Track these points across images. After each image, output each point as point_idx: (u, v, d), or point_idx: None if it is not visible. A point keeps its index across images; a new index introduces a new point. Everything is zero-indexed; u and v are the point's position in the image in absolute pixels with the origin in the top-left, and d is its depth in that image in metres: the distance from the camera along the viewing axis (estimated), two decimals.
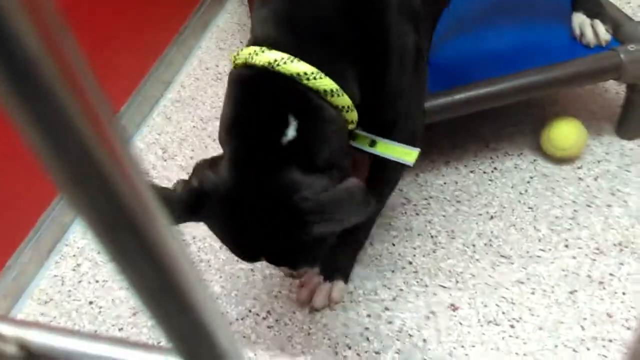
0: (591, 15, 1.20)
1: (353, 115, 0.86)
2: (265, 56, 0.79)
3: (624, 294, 1.02)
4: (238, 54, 0.83)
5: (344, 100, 0.82)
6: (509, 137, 1.34)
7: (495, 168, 1.28)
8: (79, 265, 1.26)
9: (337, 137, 0.84)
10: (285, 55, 0.79)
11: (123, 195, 0.17)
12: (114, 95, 1.51)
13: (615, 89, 1.40)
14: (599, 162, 1.25)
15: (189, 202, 0.80)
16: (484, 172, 1.28)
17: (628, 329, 0.97)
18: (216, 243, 1.23)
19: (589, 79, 1.22)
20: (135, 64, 1.58)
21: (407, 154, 0.91)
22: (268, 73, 0.79)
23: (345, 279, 1.10)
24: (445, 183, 1.27)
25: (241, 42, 1.83)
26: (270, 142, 0.79)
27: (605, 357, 0.95)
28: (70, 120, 0.16)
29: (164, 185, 0.88)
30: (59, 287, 1.22)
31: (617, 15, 1.25)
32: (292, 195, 0.77)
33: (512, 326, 1.01)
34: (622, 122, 1.28)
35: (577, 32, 1.21)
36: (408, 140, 0.95)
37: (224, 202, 0.80)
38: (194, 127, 1.55)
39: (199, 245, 1.24)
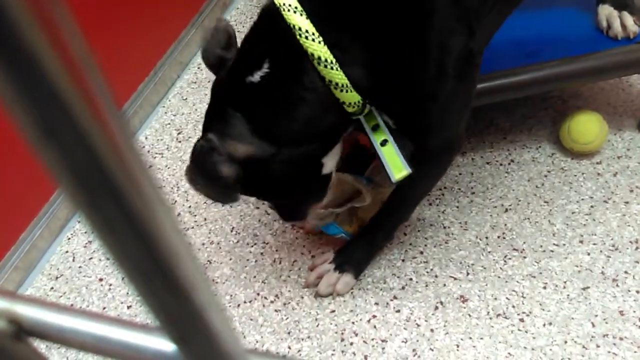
0: (618, 6, 1.17)
1: (350, 97, 0.80)
2: None
3: (637, 292, 1.00)
4: None
5: (336, 75, 0.77)
6: (528, 130, 1.31)
7: (512, 160, 1.26)
8: (90, 242, 1.26)
9: (309, 108, 0.80)
10: (295, 4, 0.76)
11: (106, 161, 0.16)
12: (131, 76, 1.51)
13: (639, 84, 1.36)
14: (619, 158, 1.22)
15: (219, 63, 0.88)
16: (500, 164, 1.26)
17: None
18: (227, 225, 1.24)
19: (613, 73, 1.19)
20: (152, 44, 1.58)
21: (398, 168, 0.87)
22: (278, 15, 0.77)
23: (356, 274, 1.09)
24: (460, 174, 1.25)
25: None
26: (237, 75, 0.82)
27: (615, 355, 0.93)
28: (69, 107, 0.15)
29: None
30: (70, 263, 1.23)
31: None
32: (206, 135, 0.81)
33: (521, 320, 0.99)
34: None
35: (604, 24, 1.17)
36: (443, 150, 0.92)
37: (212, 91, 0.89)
38: None
39: (210, 227, 1.24)
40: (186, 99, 1.59)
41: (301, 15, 0.76)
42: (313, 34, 0.76)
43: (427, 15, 0.79)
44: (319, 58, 0.76)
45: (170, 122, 1.53)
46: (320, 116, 0.82)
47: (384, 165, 0.88)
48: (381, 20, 0.78)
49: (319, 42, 0.76)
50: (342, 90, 0.79)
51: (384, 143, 0.88)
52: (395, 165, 0.87)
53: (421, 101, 0.86)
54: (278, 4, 0.77)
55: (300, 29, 0.76)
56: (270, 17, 0.80)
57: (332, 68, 0.77)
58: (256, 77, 0.79)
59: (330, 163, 0.91)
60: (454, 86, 0.86)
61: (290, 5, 0.76)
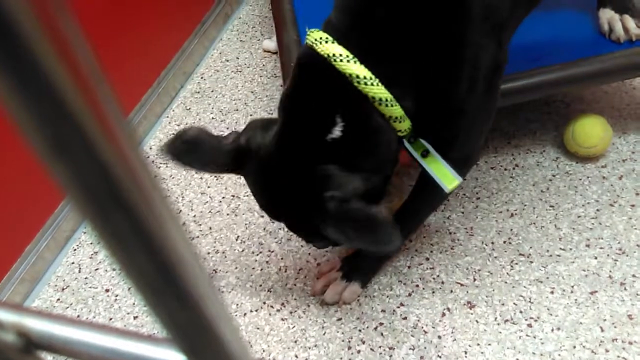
0: (620, 10, 1.17)
1: (404, 125, 0.84)
2: (328, 48, 0.79)
3: None
4: (309, 33, 0.84)
5: (395, 110, 0.81)
6: (532, 134, 1.31)
7: (516, 165, 1.26)
8: (96, 252, 1.26)
9: (382, 146, 0.84)
10: (346, 53, 0.78)
11: (118, 176, 0.16)
12: (135, 86, 1.52)
13: None
14: (624, 161, 1.22)
15: (235, 155, 0.87)
16: (505, 169, 1.25)
17: None
18: (232, 234, 1.23)
19: (617, 76, 1.18)
20: (156, 54, 1.59)
21: (449, 179, 0.88)
22: (326, 65, 0.79)
23: (363, 283, 1.08)
24: (465, 179, 1.25)
25: (262, 34, 1.83)
26: (315, 135, 0.82)
27: (625, 359, 0.92)
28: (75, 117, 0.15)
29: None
30: (76, 274, 1.23)
31: None
32: (322, 189, 0.80)
33: (529, 325, 0.99)
34: None
35: (606, 27, 1.17)
36: (461, 163, 0.92)
37: (262, 167, 0.86)
38: (213, 118, 1.55)
39: (215, 236, 1.24)
40: (190, 108, 1.60)
41: (355, 63, 0.78)
42: (371, 78, 0.78)
43: (462, 35, 0.80)
44: (380, 99, 0.79)
45: (174, 131, 1.53)
46: (389, 146, 0.86)
47: (432, 177, 0.89)
48: (421, 45, 0.80)
49: (378, 85, 0.79)
50: (400, 122, 0.83)
51: (425, 154, 0.90)
52: (445, 175, 0.88)
53: (451, 114, 0.88)
54: (327, 55, 0.79)
55: (358, 76, 0.78)
56: (318, 70, 0.81)
57: (390, 105, 0.80)
58: (336, 133, 0.80)
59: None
60: (482, 100, 0.88)
61: (341, 55, 0.78)
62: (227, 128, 1.50)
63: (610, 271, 1.04)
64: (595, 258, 1.06)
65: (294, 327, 1.06)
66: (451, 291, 1.06)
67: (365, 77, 0.78)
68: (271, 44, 1.73)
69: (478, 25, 0.81)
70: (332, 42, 0.80)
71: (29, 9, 0.12)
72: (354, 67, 0.78)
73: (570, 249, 1.09)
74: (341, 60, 0.78)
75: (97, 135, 0.14)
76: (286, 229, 1.21)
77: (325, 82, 0.81)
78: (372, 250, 0.86)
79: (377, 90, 0.79)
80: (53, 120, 0.14)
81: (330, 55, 0.79)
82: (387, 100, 0.80)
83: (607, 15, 1.18)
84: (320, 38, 0.81)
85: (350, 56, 0.78)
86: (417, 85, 0.82)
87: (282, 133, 0.84)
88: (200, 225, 1.27)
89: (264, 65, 1.69)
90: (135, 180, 0.16)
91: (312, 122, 0.82)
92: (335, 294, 1.06)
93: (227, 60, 1.74)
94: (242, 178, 1.36)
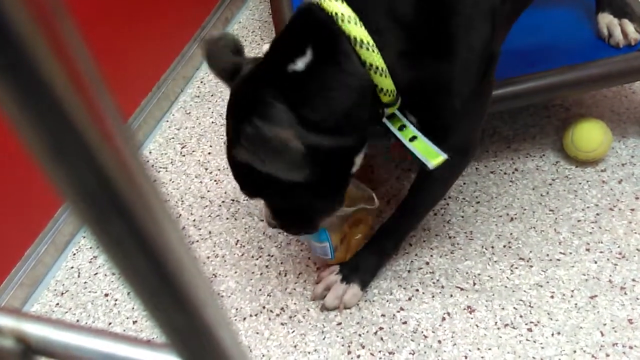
0: (618, 14, 1.17)
1: (385, 83, 0.81)
2: None
3: None
4: None
5: (374, 57, 0.78)
6: (531, 138, 1.31)
7: (516, 169, 1.26)
8: (95, 257, 1.26)
9: (352, 92, 0.81)
10: None
11: (117, 181, 0.16)
12: (134, 90, 1.52)
13: None
14: (623, 165, 1.22)
15: (231, 71, 0.90)
16: (505, 173, 1.25)
17: None
18: (232, 238, 1.23)
19: (616, 80, 1.19)
20: (155, 59, 1.59)
21: (432, 155, 0.86)
22: (317, 7, 0.80)
23: (363, 285, 1.08)
24: (464, 183, 1.25)
25: (262, 38, 1.83)
26: (277, 64, 0.82)
27: None
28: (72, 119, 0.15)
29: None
30: (75, 278, 1.22)
31: None
32: (249, 116, 0.79)
33: (529, 330, 0.99)
34: None
35: (605, 32, 1.18)
36: (456, 153, 0.90)
37: (232, 92, 0.88)
38: (212, 122, 1.55)
39: (214, 240, 1.24)
40: (190, 113, 1.60)
41: (342, 3, 0.78)
42: (354, 18, 0.77)
43: (455, 13, 0.81)
44: (361, 41, 0.77)
45: (174, 136, 1.53)
46: (360, 103, 0.82)
47: (418, 159, 0.86)
48: (413, 17, 0.80)
49: (360, 26, 0.77)
50: (380, 75, 0.80)
51: (412, 139, 0.88)
52: (430, 153, 0.86)
53: (444, 99, 0.87)
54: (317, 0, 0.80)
55: (341, 14, 0.77)
56: (307, 11, 0.82)
57: (370, 50, 0.78)
58: (299, 64, 0.80)
59: (358, 162, 0.91)
60: (476, 87, 0.88)
61: None
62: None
63: (610, 275, 1.04)
64: (595, 262, 1.06)
65: (293, 331, 1.05)
66: (451, 295, 1.06)
67: (349, 16, 0.77)
68: None
69: (472, 8, 0.82)
70: None
71: (28, 15, 0.12)
72: (339, 7, 0.78)
73: (570, 253, 1.08)
74: (330, 0, 0.79)
75: (96, 140, 0.14)
76: (286, 233, 1.21)
77: (307, 20, 0.82)
78: (281, 177, 0.80)
79: (359, 30, 0.77)
80: (52, 125, 0.14)
81: None
82: (368, 43, 0.78)
83: (605, 19, 1.18)
84: None
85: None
86: (405, 53, 0.81)
87: (256, 64, 0.86)
88: (199, 229, 1.27)
89: None
90: (134, 185, 0.16)
91: (282, 53, 0.83)
92: (336, 298, 1.06)
93: None
94: None
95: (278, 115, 0.78)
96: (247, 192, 0.93)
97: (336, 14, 0.78)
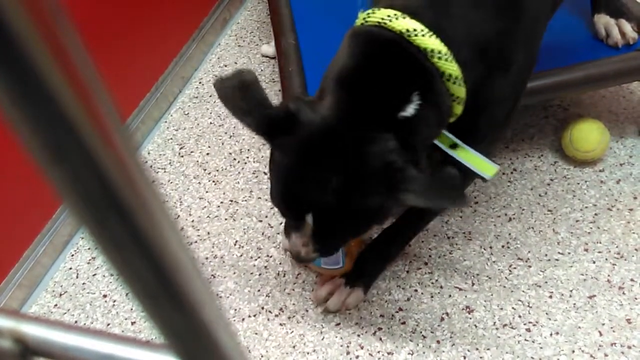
0: (615, 15, 1.18)
1: (458, 109, 0.81)
2: (404, 22, 0.75)
3: None
4: (371, 14, 0.79)
5: (461, 90, 0.78)
6: (530, 138, 1.31)
7: (514, 169, 1.26)
8: (93, 258, 1.26)
9: (441, 125, 0.82)
10: (423, 27, 0.75)
11: (115, 182, 0.16)
12: (133, 91, 1.52)
13: (639, 91, 1.36)
14: (621, 165, 1.22)
15: (280, 118, 0.77)
16: (503, 173, 1.26)
17: None
18: (231, 239, 1.23)
19: (613, 81, 1.19)
20: (154, 59, 1.59)
21: (488, 169, 0.85)
22: (399, 40, 0.75)
23: (366, 288, 1.07)
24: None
25: (260, 39, 1.83)
26: (385, 110, 0.76)
27: None
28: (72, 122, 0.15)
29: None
30: (74, 279, 1.22)
31: None
32: (393, 159, 0.74)
33: (528, 330, 0.99)
34: None
35: (603, 33, 1.18)
36: (488, 154, 0.90)
37: (309, 141, 0.76)
38: (211, 123, 1.55)
39: (213, 241, 1.24)
40: (188, 113, 1.60)
41: (432, 37, 0.75)
42: (446, 53, 0.75)
43: (520, 28, 0.82)
44: (455, 77, 0.76)
45: (172, 137, 1.53)
46: (441, 130, 0.83)
47: (469, 169, 0.86)
48: (488, 40, 0.80)
49: (451, 61, 0.76)
50: (459, 104, 0.80)
51: (453, 146, 0.87)
52: (481, 165, 0.86)
53: (490, 105, 0.87)
54: (403, 30, 0.75)
55: (439, 52, 0.75)
56: (392, 45, 0.77)
57: (459, 84, 0.77)
58: (410, 111, 0.76)
59: None
60: (513, 92, 0.89)
61: (422, 30, 0.75)
62: (225, 133, 1.50)
63: (608, 275, 1.04)
64: (594, 262, 1.06)
65: (292, 332, 1.05)
66: (450, 296, 1.06)
67: (445, 53, 0.75)
68: (269, 49, 1.73)
69: (531, 19, 0.83)
70: (408, 18, 0.76)
71: (26, 16, 0.12)
72: (434, 42, 0.74)
73: (569, 253, 1.09)
74: (420, 35, 0.75)
75: (95, 141, 0.14)
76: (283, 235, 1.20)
77: (402, 57, 0.76)
78: (447, 206, 0.80)
79: (454, 66, 0.75)
80: (50, 126, 0.14)
81: (410, 29, 0.75)
82: (459, 78, 0.76)
83: (602, 20, 1.18)
84: (392, 15, 0.77)
85: (427, 30, 0.75)
86: (474, 67, 0.80)
87: (342, 108, 0.76)
88: (198, 230, 1.27)
89: (262, 70, 1.69)
90: (133, 186, 0.16)
91: (384, 97, 0.76)
92: (339, 301, 1.05)
93: (226, 66, 1.74)
94: (241, 181, 1.36)
95: (409, 156, 0.76)
96: (326, 231, 0.83)
97: (432, 50, 0.75)
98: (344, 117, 0.76)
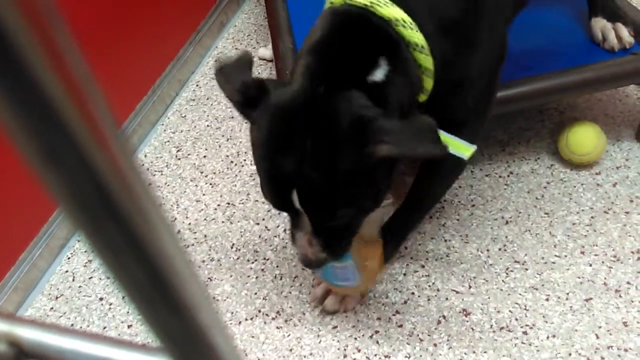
0: (612, 18, 1.18)
1: (429, 83, 0.83)
2: None
3: None
4: None
5: (427, 60, 0.80)
6: (526, 142, 1.32)
7: (511, 172, 1.26)
8: (90, 261, 1.26)
9: (411, 98, 0.82)
10: (388, 0, 0.78)
11: (111, 185, 0.16)
12: (130, 93, 1.52)
13: (636, 94, 1.37)
14: (618, 168, 1.23)
15: (252, 89, 0.77)
16: (500, 176, 1.26)
17: None
18: (227, 242, 1.23)
19: (610, 84, 1.19)
20: (151, 62, 1.59)
21: (463, 148, 0.88)
22: (366, 12, 0.78)
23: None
24: (459, 187, 1.25)
25: (258, 42, 1.83)
26: (355, 74, 0.76)
27: None
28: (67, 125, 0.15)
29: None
30: (70, 282, 1.22)
31: (637, 17, 1.22)
32: (361, 113, 0.73)
33: (525, 333, 0.99)
34: None
35: (599, 36, 1.18)
36: (470, 140, 0.91)
37: (280, 110, 0.76)
38: (208, 126, 1.55)
39: (210, 244, 1.24)
40: (185, 116, 1.60)
41: (395, 7, 0.78)
42: (410, 23, 0.78)
43: (484, 14, 0.86)
44: (420, 46, 0.79)
45: (169, 139, 1.53)
46: (413, 105, 0.84)
47: (446, 161, 0.89)
48: (453, 19, 0.84)
49: (417, 31, 0.78)
50: (428, 76, 0.82)
51: None
52: (458, 147, 0.88)
53: (460, 95, 0.90)
54: (367, 2, 0.78)
55: (402, 20, 0.78)
56: (357, 16, 0.79)
57: (424, 53, 0.79)
58: (378, 75, 0.77)
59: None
60: (487, 84, 0.92)
61: (382, 1, 0.78)
62: (223, 135, 1.50)
63: (605, 278, 1.04)
64: (590, 265, 1.07)
65: (289, 335, 1.05)
66: (447, 299, 1.06)
67: (407, 21, 0.78)
68: (267, 52, 1.73)
69: (493, 8, 0.86)
70: None
71: (21, 19, 0.12)
72: (395, 11, 0.78)
73: (565, 256, 1.09)
74: (384, 5, 0.78)
75: (90, 144, 0.14)
76: (282, 237, 1.21)
77: (366, 27, 0.79)
78: (428, 152, 0.73)
79: (418, 35, 0.78)
80: (45, 129, 0.13)
81: (371, 2, 0.78)
82: (423, 47, 0.79)
83: (599, 24, 1.18)
84: None
85: (390, 2, 0.78)
86: (441, 46, 0.82)
87: (310, 74, 0.76)
88: (195, 233, 1.27)
89: (259, 73, 1.69)
90: (128, 189, 0.16)
91: (352, 62, 0.77)
92: (336, 302, 1.05)
93: None
94: (238, 184, 1.36)
95: (383, 113, 0.75)
96: (319, 212, 0.80)
97: (396, 19, 0.78)
98: (313, 82, 0.75)
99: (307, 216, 0.80)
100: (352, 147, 0.73)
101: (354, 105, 0.74)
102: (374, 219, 0.99)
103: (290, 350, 1.03)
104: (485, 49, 0.89)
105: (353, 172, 0.74)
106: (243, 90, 0.78)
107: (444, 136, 0.87)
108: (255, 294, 1.13)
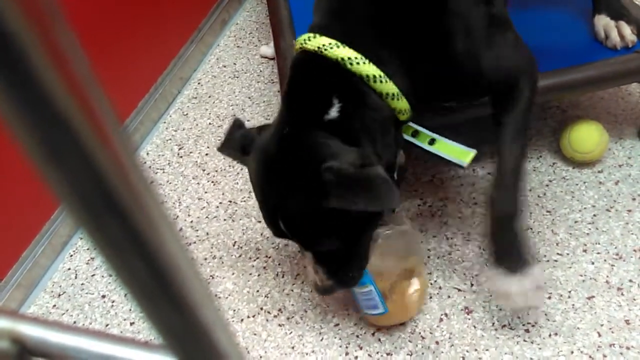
0: (615, 17, 1.18)
1: (402, 105, 0.86)
2: (315, 42, 0.85)
3: None
4: (296, 41, 0.90)
5: (389, 87, 0.84)
6: (528, 140, 1.31)
7: None
8: (92, 258, 1.26)
9: (380, 125, 0.86)
10: (333, 41, 0.84)
11: (113, 183, 0.16)
12: (132, 91, 1.52)
13: (638, 93, 1.36)
14: (620, 166, 1.22)
15: (242, 141, 0.91)
16: None
17: None
18: (229, 240, 1.23)
19: (612, 82, 1.19)
20: (153, 60, 1.59)
21: (463, 154, 0.90)
22: (317, 57, 0.85)
23: (531, 259, 0.91)
24: (461, 185, 1.25)
25: (259, 40, 1.83)
26: (312, 117, 0.83)
27: None
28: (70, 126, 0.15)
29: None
30: (72, 280, 1.22)
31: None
32: (319, 160, 0.78)
33: (527, 331, 0.99)
34: None
35: (602, 34, 1.18)
36: (514, 79, 0.93)
37: (260, 152, 0.87)
38: (210, 124, 1.55)
39: (212, 241, 1.24)
40: (187, 114, 1.60)
41: (343, 47, 0.84)
42: (361, 58, 0.83)
43: (444, 5, 0.87)
44: (374, 76, 0.83)
45: (171, 137, 1.53)
46: (387, 127, 0.88)
47: (446, 161, 0.90)
48: (405, 25, 0.87)
49: (368, 64, 0.83)
50: (397, 99, 0.86)
51: (432, 142, 0.92)
52: (457, 153, 0.90)
53: (463, 68, 0.91)
54: (316, 48, 0.85)
55: (349, 58, 0.83)
56: (309, 62, 0.87)
57: (382, 81, 0.84)
58: (333, 113, 0.83)
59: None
60: (490, 43, 0.92)
61: (330, 43, 0.84)
62: (225, 133, 1.50)
63: (607, 276, 1.04)
64: (592, 263, 1.06)
65: (291, 333, 1.05)
66: (449, 296, 1.06)
67: (355, 58, 0.83)
68: (268, 50, 1.73)
69: None
70: (319, 37, 0.86)
71: (24, 18, 0.12)
72: (342, 51, 0.83)
73: (567, 254, 1.09)
74: (331, 48, 0.84)
75: (92, 142, 0.14)
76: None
77: (318, 70, 0.86)
78: (376, 209, 0.79)
79: (369, 68, 0.83)
80: (47, 128, 0.14)
81: (320, 46, 0.84)
82: (379, 76, 0.83)
83: (602, 22, 1.18)
84: (307, 38, 0.87)
85: (338, 43, 0.84)
86: (408, 64, 0.87)
87: (280, 120, 0.87)
88: (197, 230, 1.27)
89: (261, 71, 1.69)
90: (130, 187, 0.16)
91: (309, 105, 0.85)
92: (524, 295, 0.89)
93: (225, 66, 1.74)
94: (239, 182, 1.36)
95: (349, 154, 0.79)
96: (303, 241, 0.88)
97: (342, 59, 0.83)
98: (281, 127, 0.85)
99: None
100: (308, 193, 0.80)
101: (313, 146, 0.81)
102: (389, 253, 0.97)
103: (292, 347, 1.03)
104: (459, 34, 0.89)
105: (319, 211, 0.80)
106: (238, 147, 0.92)
107: (443, 142, 0.91)
108: (257, 291, 1.13)
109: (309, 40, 0.86)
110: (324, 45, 0.84)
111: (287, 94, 0.89)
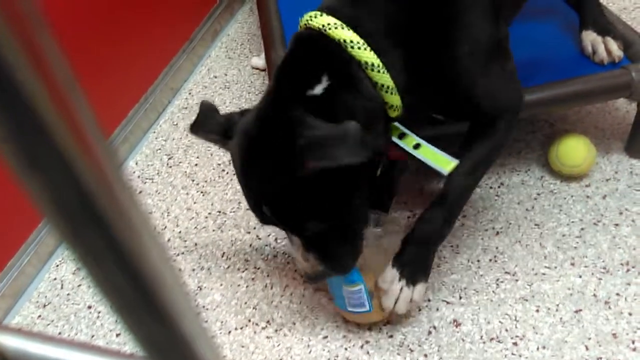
0: (602, 32, 1.19)
1: (394, 100, 0.85)
2: (320, 20, 0.84)
3: (630, 314, 1.00)
4: (304, 17, 0.88)
5: (385, 78, 0.83)
6: (517, 153, 1.32)
7: (501, 183, 1.27)
8: (79, 268, 1.25)
9: (368, 114, 0.84)
10: (338, 22, 0.83)
11: (93, 193, 0.16)
12: (122, 101, 1.51)
13: (625, 107, 1.38)
14: (607, 180, 1.23)
15: (225, 125, 0.90)
16: (490, 187, 1.26)
17: (633, 350, 0.95)
18: (218, 251, 1.23)
19: (599, 97, 1.20)
20: (144, 70, 1.59)
21: (445, 163, 0.89)
22: (319, 35, 0.84)
23: (426, 277, 0.97)
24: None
25: (250, 51, 1.84)
26: (295, 91, 0.82)
27: None
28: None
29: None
30: (58, 290, 1.21)
31: (627, 32, 1.23)
32: (295, 136, 0.77)
33: (515, 344, 0.99)
34: (632, 140, 1.27)
35: (589, 49, 1.19)
36: (499, 114, 0.95)
37: (240, 136, 0.85)
38: None
39: (200, 252, 1.23)
40: (177, 124, 1.60)
41: (347, 30, 0.82)
42: (363, 44, 0.82)
43: (456, 15, 0.87)
44: (372, 64, 0.82)
45: (160, 147, 1.53)
46: (375, 117, 0.86)
47: (429, 166, 0.89)
48: (414, 23, 0.86)
49: (365, 49, 0.82)
50: (391, 93, 0.84)
51: (417, 146, 0.91)
52: (439, 160, 0.89)
53: (459, 85, 0.91)
54: (320, 25, 0.83)
55: (351, 41, 0.82)
56: (311, 40, 0.86)
57: (379, 71, 0.83)
58: (317, 90, 0.81)
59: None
60: (489, 70, 0.93)
61: (335, 23, 0.83)
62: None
63: (594, 290, 1.05)
64: (580, 277, 1.07)
65: (279, 345, 1.05)
66: (437, 309, 1.06)
67: (357, 42, 0.82)
68: (259, 61, 1.73)
69: (469, 6, 0.88)
70: (325, 15, 0.84)
71: (5, 26, 0.12)
72: (345, 33, 0.82)
73: (555, 267, 1.09)
74: (335, 28, 0.82)
75: (72, 151, 0.14)
76: (272, 246, 1.20)
77: (316, 48, 0.85)
78: (353, 160, 0.73)
79: (368, 55, 0.82)
80: (27, 134, 0.13)
81: (325, 24, 0.83)
82: (377, 65, 0.82)
83: (589, 37, 1.20)
84: (313, 15, 0.86)
85: (342, 24, 0.83)
86: (406, 58, 0.86)
87: (265, 97, 0.85)
88: (185, 241, 1.27)
89: (252, 82, 1.70)
90: (112, 196, 0.16)
91: (296, 80, 0.84)
92: (406, 302, 0.95)
93: (216, 77, 1.75)
94: (229, 193, 1.35)
95: (318, 123, 0.78)
96: (289, 225, 0.86)
97: (344, 40, 0.82)
98: (266, 104, 0.84)
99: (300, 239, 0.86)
100: (284, 168, 0.79)
101: (289, 123, 0.79)
102: (380, 252, 0.98)
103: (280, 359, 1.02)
104: (462, 50, 0.89)
105: (301, 188, 0.79)
106: (217, 129, 0.90)
107: (427, 148, 0.89)
108: (246, 303, 1.12)
109: (315, 17, 0.85)
110: (328, 24, 0.83)
111: (279, 67, 0.87)
